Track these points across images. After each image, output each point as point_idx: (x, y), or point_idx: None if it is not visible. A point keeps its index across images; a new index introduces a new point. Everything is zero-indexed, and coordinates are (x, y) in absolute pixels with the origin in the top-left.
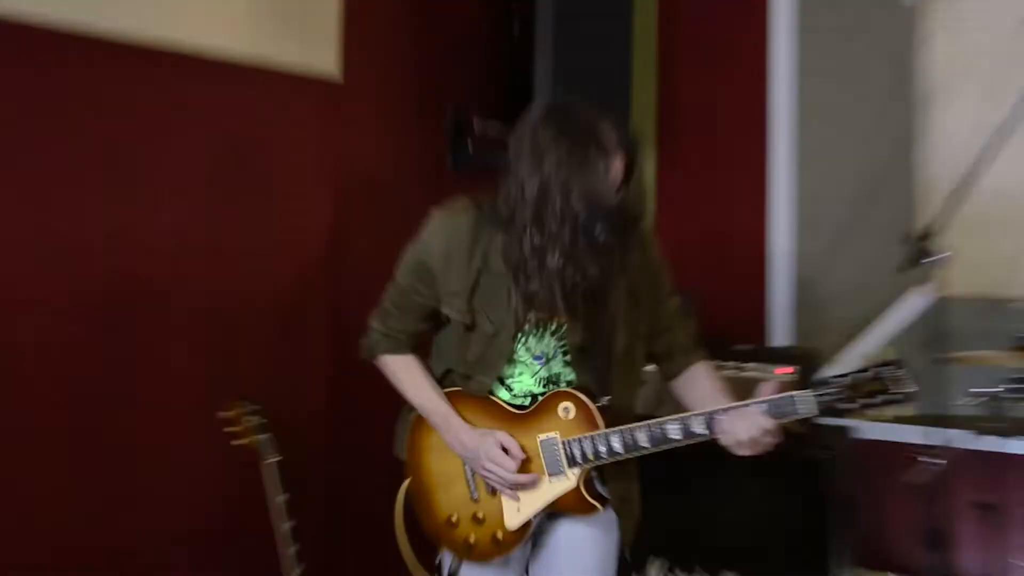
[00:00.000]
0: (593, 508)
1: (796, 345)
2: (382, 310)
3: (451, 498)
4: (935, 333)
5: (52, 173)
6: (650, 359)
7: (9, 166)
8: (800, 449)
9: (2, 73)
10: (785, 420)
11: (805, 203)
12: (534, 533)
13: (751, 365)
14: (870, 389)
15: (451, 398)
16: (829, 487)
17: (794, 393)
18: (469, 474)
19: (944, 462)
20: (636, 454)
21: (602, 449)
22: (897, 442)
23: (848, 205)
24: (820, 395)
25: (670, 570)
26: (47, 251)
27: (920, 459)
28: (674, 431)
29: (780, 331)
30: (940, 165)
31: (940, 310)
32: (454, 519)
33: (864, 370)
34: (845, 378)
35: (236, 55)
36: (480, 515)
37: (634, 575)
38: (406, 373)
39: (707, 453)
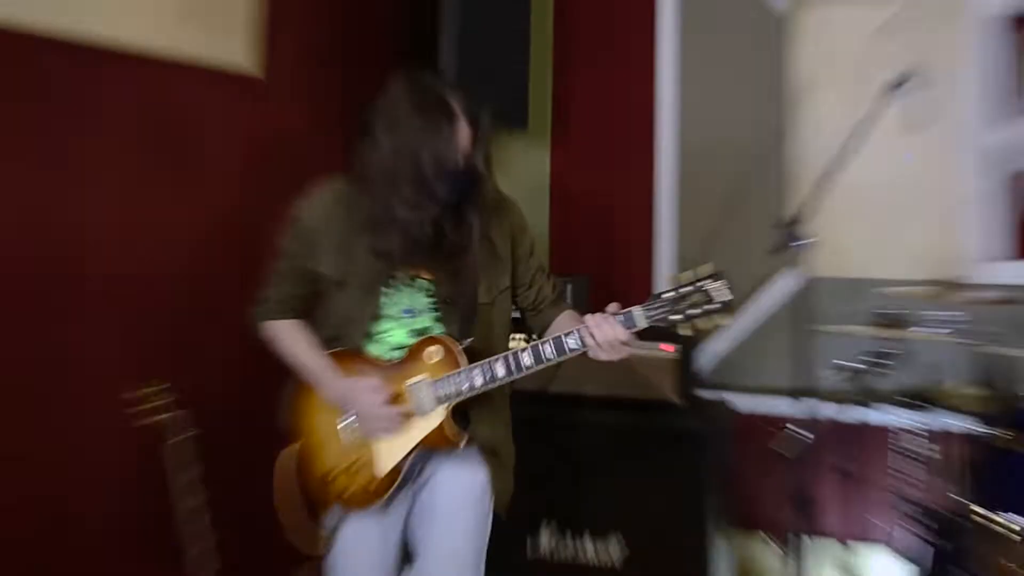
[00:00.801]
0: (457, 438)
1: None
2: (268, 280)
3: (328, 455)
4: (803, 311)
5: None
6: (521, 314)
7: None
8: (680, 421)
9: None
10: (634, 326)
11: (686, 192)
12: (414, 491)
13: (639, 343)
14: (693, 301)
15: (328, 358)
16: (708, 455)
17: (630, 309)
18: (344, 425)
19: (810, 433)
20: (497, 384)
21: (464, 386)
22: (768, 415)
23: (725, 195)
24: (648, 308)
25: (561, 534)
26: None
27: (787, 429)
28: (526, 357)
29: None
30: (809, 157)
31: (808, 290)
32: (331, 475)
33: (686, 285)
34: (670, 293)
35: (161, 50)
36: (354, 466)
37: (529, 539)
38: (287, 335)
39: (598, 422)
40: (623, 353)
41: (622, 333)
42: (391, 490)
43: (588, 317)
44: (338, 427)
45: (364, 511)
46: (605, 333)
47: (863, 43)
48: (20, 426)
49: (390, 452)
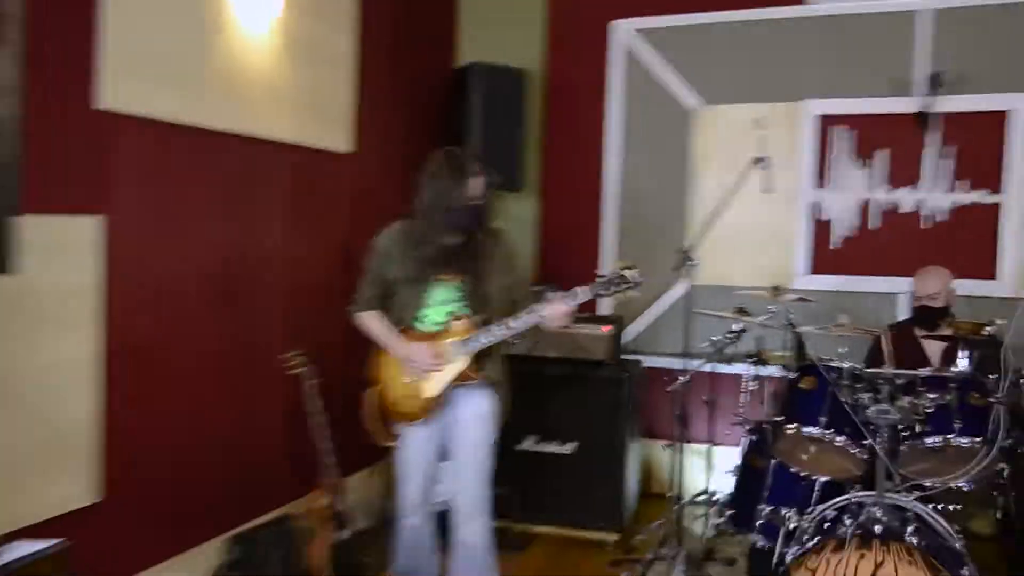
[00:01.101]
0: (475, 375)
1: (612, 314)
2: (359, 287)
3: (396, 389)
4: (690, 304)
5: (199, 211)
6: (512, 306)
7: (175, 208)
8: (610, 372)
9: (181, 159)
10: (575, 303)
11: (623, 229)
12: (448, 412)
13: (589, 326)
14: (618, 282)
15: (397, 333)
16: (626, 393)
17: (576, 289)
18: (405, 372)
19: (688, 379)
20: (499, 339)
21: (476, 343)
22: (665, 368)
23: (647, 230)
24: (592, 287)
25: (538, 441)
26: (198, 258)
27: (676, 378)
28: (515, 322)
29: (604, 306)
30: (701, 207)
31: (693, 293)
32: (398, 401)
33: (614, 273)
34: (604, 278)
35: (299, 140)
36: (412, 394)
37: (518, 441)
38: (372, 321)
39: (560, 373)
40: (567, 321)
41: (565, 307)
42: (434, 409)
43: (543, 305)
44: (402, 373)
45: (417, 423)
46: (554, 308)
47: (739, 133)
48: (220, 375)
49: (434, 386)
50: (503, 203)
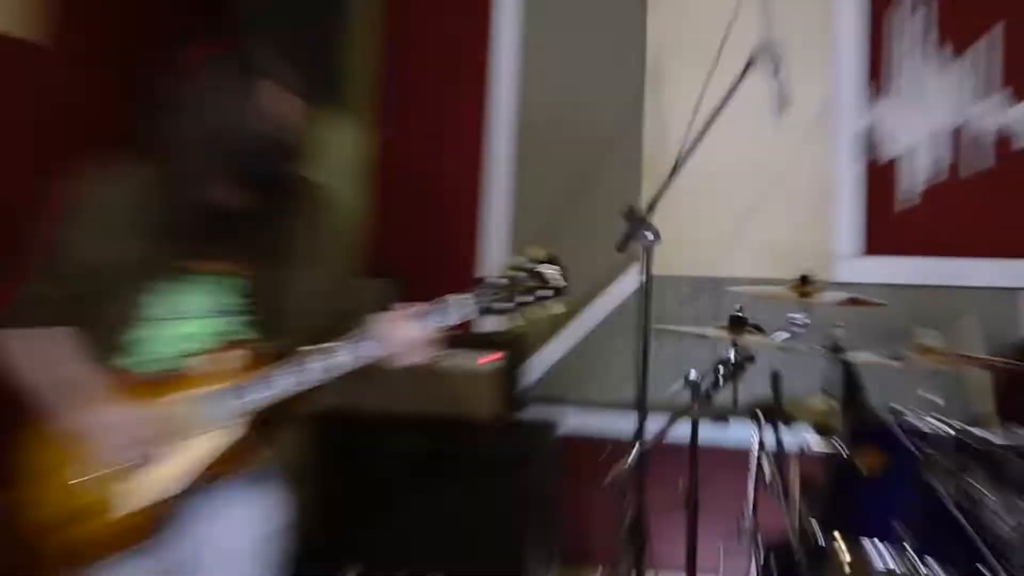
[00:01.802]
0: (255, 455)
1: (504, 330)
2: (29, 279)
3: (78, 490)
4: (647, 313)
5: None
6: (335, 323)
7: None
8: (496, 445)
9: None
10: (440, 323)
11: (524, 175)
12: (185, 549)
13: (454, 352)
14: (526, 287)
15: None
16: (529, 485)
17: (449, 297)
18: (98, 453)
19: (643, 452)
20: (301, 388)
21: (258, 394)
22: (599, 435)
23: (569, 178)
24: (478, 297)
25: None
26: None
27: (622, 451)
28: (336, 354)
29: (490, 320)
30: (662, 141)
31: (652, 291)
32: (84, 515)
33: (520, 270)
34: (502, 279)
35: None
36: (114, 499)
37: None
38: (49, 347)
39: (414, 458)
40: (425, 354)
41: (419, 331)
42: (158, 529)
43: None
44: (86, 458)
45: (123, 555)
46: (401, 331)
47: (726, 10)
48: None
49: (162, 481)
50: (318, 135)
